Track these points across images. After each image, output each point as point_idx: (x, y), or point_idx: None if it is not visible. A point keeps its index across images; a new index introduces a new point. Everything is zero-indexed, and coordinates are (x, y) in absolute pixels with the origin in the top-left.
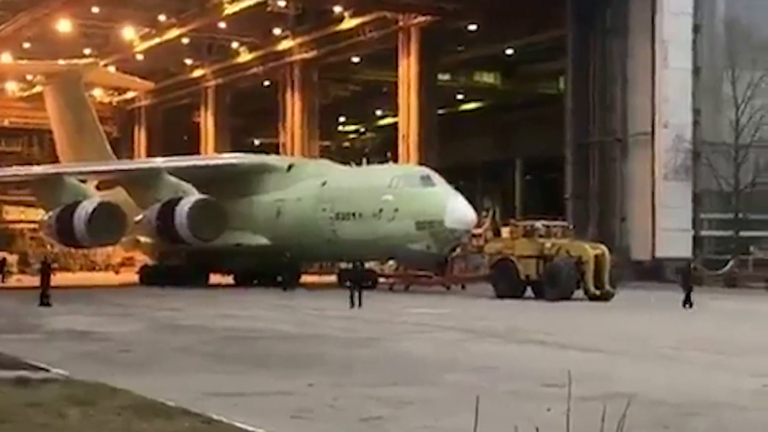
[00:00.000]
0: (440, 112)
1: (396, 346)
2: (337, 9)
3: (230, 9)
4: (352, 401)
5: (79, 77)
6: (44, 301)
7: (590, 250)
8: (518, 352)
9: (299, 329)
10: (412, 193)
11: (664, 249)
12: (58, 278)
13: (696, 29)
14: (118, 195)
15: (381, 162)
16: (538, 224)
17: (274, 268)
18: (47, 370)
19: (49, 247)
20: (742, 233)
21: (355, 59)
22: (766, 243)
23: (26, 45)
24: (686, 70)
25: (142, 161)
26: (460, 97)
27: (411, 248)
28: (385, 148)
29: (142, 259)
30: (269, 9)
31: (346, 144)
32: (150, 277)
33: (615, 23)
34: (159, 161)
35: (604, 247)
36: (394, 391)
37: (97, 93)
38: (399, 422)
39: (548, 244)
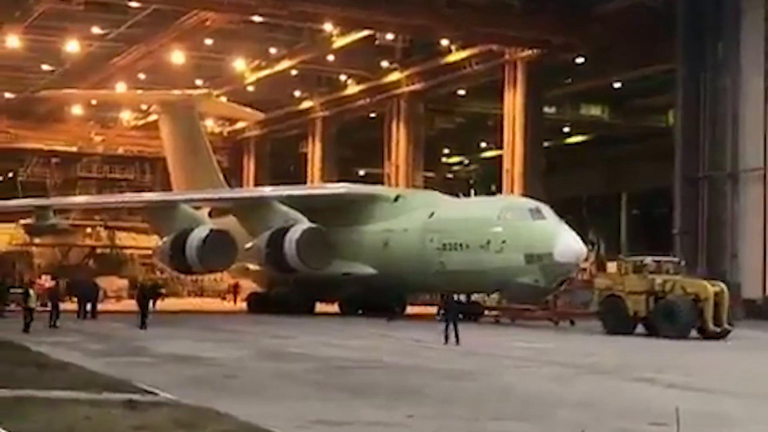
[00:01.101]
0: (546, 144)
1: (498, 381)
2: (444, 42)
3: (339, 42)
4: None
5: (192, 106)
6: (143, 324)
7: (709, 287)
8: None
9: (401, 359)
10: (521, 225)
11: None
12: (166, 303)
13: None
14: (230, 222)
15: (486, 194)
16: (648, 260)
17: (380, 297)
18: (155, 394)
19: (158, 273)
20: None
21: (461, 92)
22: None
23: (141, 76)
24: None
25: (253, 190)
26: (566, 130)
27: (519, 281)
28: (489, 180)
29: (248, 286)
30: (377, 42)
31: (450, 175)
32: (258, 305)
33: (726, 57)
34: (269, 190)
35: (722, 285)
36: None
37: (209, 123)
38: None
39: (659, 280)
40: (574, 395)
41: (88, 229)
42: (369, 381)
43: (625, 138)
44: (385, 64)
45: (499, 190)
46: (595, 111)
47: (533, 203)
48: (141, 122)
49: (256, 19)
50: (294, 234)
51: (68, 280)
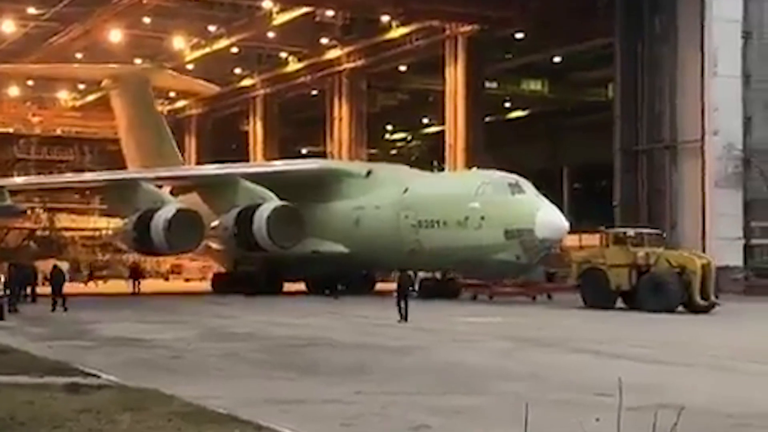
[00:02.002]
0: (487, 119)
1: (445, 356)
2: (385, 18)
3: (279, 19)
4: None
5: (146, 80)
6: (55, 307)
7: (697, 260)
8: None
9: (349, 337)
10: (500, 200)
11: (715, 257)
12: (115, 286)
13: (746, 36)
14: (192, 201)
15: (429, 170)
16: (631, 232)
17: (348, 276)
18: (98, 377)
19: (99, 254)
20: None
21: (403, 68)
22: None
23: (78, 55)
24: (736, 78)
25: (219, 167)
26: (507, 104)
27: (498, 258)
28: (432, 156)
29: (190, 266)
30: (317, 19)
31: (393, 152)
32: (222, 285)
33: (663, 31)
34: (235, 167)
35: (709, 257)
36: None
37: None
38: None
39: (641, 253)
40: (522, 368)
41: (27, 211)
42: (316, 359)
43: (566, 112)
44: (325, 41)
45: (441, 167)
46: (536, 86)
47: (512, 177)
48: (79, 103)
49: None
50: (263, 212)
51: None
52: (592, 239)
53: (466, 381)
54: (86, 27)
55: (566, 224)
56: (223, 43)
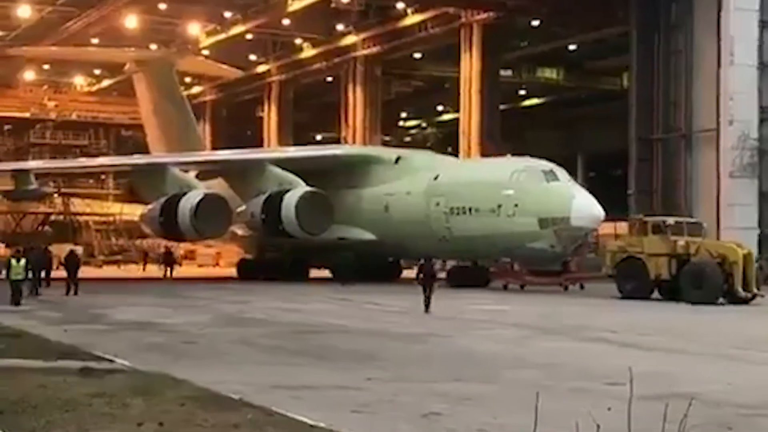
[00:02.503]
0: (502, 107)
1: (458, 343)
2: (400, 5)
3: (294, 5)
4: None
5: (171, 64)
6: (68, 291)
7: (738, 249)
8: None
9: (361, 324)
10: (535, 187)
11: None
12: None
13: (762, 25)
14: (217, 186)
15: None
16: (671, 220)
17: (374, 263)
18: (112, 361)
19: (113, 239)
20: None
21: (418, 55)
22: None
23: (94, 41)
24: (752, 67)
25: (246, 152)
26: (522, 92)
27: (532, 247)
28: (446, 143)
29: (204, 252)
30: (333, 5)
31: (408, 139)
32: (249, 272)
33: (680, 19)
34: (264, 152)
35: (749, 247)
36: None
37: None
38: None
39: (681, 242)
40: (535, 356)
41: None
42: (329, 345)
43: (581, 100)
44: (340, 27)
45: (456, 153)
46: (551, 74)
47: (547, 164)
48: (95, 88)
49: None
50: (292, 198)
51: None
52: (607, 227)
53: (478, 369)
54: (102, 12)
55: (602, 212)
56: (238, 29)
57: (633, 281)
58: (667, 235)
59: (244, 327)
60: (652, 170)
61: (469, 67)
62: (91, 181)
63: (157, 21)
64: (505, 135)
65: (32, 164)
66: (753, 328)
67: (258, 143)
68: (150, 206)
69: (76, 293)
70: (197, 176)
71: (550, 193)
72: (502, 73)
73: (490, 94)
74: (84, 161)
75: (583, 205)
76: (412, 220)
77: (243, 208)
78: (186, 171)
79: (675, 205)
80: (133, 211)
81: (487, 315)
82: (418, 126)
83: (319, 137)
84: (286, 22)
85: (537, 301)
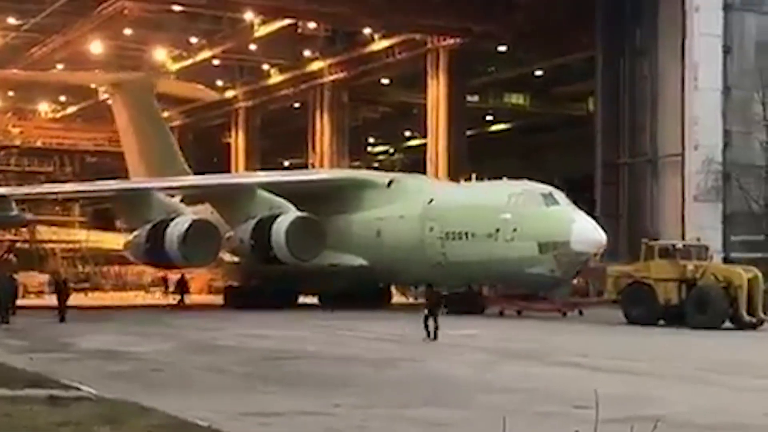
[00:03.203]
0: (469, 133)
1: (427, 368)
2: (367, 31)
3: (261, 31)
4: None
5: (150, 86)
6: (62, 318)
7: (743, 273)
8: None
9: (331, 349)
10: (534, 211)
11: None
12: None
13: (726, 50)
14: (203, 212)
15: None
16: (679, 244)
17: (363, 289)
18: (78, 389)
19: (80, 266)
20: None
21: (385, 81)
22: None
23: (59, 66)
24: (716, 91)
25: (233, 176)
26: (489, 118)
27: (531, 272)
28: (413, 169)
29: (173, 278)
30: (299, 31)
31: (375, 165)
32: (236, 299)
33: (644, 44)
34: (253, 176)
35: (756, 270)
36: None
37: None
38: None
39: (690, 266)
40: (505, 381)
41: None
42: (297, 372)
43: (548, 126)
44: (307, 53)
45: None
46: (518, 99)
47: (545, 188)
48: (59, 114)
49: (176, 8)
50: (282, 223)
51: None
52: None
53: (447, 394)
54: (67, 38)
55: (603, 237)
56: (204, 54)
57: (640, 307)
58: (676, 259)
59: (214, 354)
60: (618, 194)
61: (436, 92)
62: (57, 208)
63: (122, 47)
64: (472, 160)
65: (9, 190)
66: (732, 352)
67: (225, 169)
68: (135, 233)
69: (63, 320)
70: (182, 201)
71: (550, 217)
72: (469, 98)
73: (457, 119)
74: (63, 187)
75: (583, 230)
76: (406, 245)
77: (231, 233)
78: (172, 196)
79: (641, 229)
80: (99, 239)
81: (466, 340)
82: (385, 152)
83: (286, 163)
84: (252, 47)
85: (523, 327)
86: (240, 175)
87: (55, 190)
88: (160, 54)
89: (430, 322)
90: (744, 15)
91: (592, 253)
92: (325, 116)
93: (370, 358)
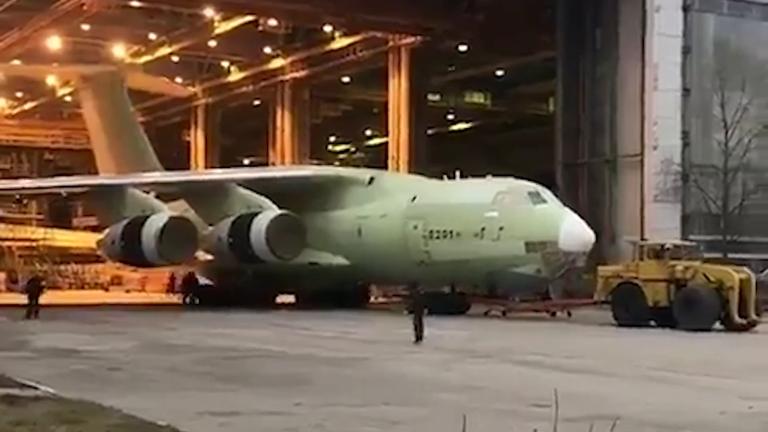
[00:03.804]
0: (430, 132)
1: (387, 367)
2: (328, 29)
3: (221, 28)
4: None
5: (121, 80)
6: (31, 316)
7: (735, 274)
8: None
9: (291, 349)
10: (521, 210)
11: None
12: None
13: (686, 51)
14: (177, 208)
15: None
16: (669, 244)
17: (345, 289)
18: (35, 388)
19: (37, 264)
20: (731, 255)
21: (346, 79)
22: (755, 265)
23: (15, 62)
24: (676, 92)
25: (209, 172)
26: (450, 117)
27: (517, 272)
28: (375, 168)
29: (131, 277)
30: (260, 28)
31: (337, 163)
32: (209, 298)
33: (605, 45)
34: (227, 172)
35: (748, 270)
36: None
37: None
38: None
39: (680, 267)
40: (463, 379)
41: None
42: (258, 371)
43: (508, 125)
44: (268, 50)
45: None
46: (479, 98)
47: (532, 186)
48: (16, 110)
49: (135, 3)
50: (262, 221)
51: None
52: None
53: (407, 393)
54: (24, 33)
55: (592, 236)
56: (164, 51)
57: (630, 308)
58: (665, 259)
59: (174, 354)
60: (577, 194)
61: (398, 91)
62: (13, 205)
63: (81, 42)
64: (434, 159)
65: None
66: (709, 353)
67: (184, 167)
68: (108, 230)
69: (36, 316)
70: (156, 198)
71: (538, 216)
72: (431, 97)
73: (419, 118)
74: (39, 182)
75: (572, 229)
76: (388, 244)
77: (208, 231)
78: (147, 192)
79: (600, 230)
80: (56, 237)
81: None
82: (346, 150)
83: (246, 161)
84: (212, 44)
85: (501, 328)
86: (217, 172)
87: (30, 185)
88: (118, 50)
89: (417, 323)
90: (703, 16)
91: (581, 252)
92: (286, 114)
93: (330, 356)
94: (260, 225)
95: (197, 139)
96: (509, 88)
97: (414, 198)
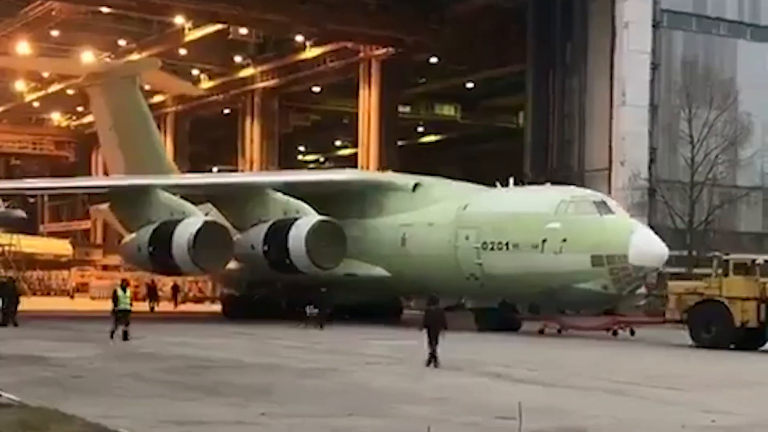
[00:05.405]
0: (400, 143)
1: (354, 378)
2: (299, 38)
3: (191, 36)
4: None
5: (135, 77)
6: (6, 323)
7: None
8: None
9: (259, 359)
10: (586, 221)
11: None
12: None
13: (654, 68)
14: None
15: None
16: (761, 259)
17: (382, 303)
18: None
19: (2, 271)
20: (696, 270)
21: (316, 89)
22: None
23: None
24: (643, 108)
25: (243, 175)
26: (420, 129)
27: (581, 288)
28: None
29: (97, 284)
30: (230, 37)
31: None
32: (237, 310)
33: (574, 59)
34: (265, 175)
35: None
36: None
37: (56, 117)
38: None
39: None
40: (430, 391)
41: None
42: (223, 380)
43: (478, 137)
44: (238, 59)
45: None
46: (449, 111)
47: (598, 195)
48: None
49: (105, 10)
50: (301, 228)
51: None
52: None
53: (373, 404)
54: None
55: (666, 250)
56: (133, 57)
57: (714, 328)
58: (756, 276)
59: (139, 362)
60: None
61: (368, 102)
62: None
63: (49, 48)
64: (403, 171)
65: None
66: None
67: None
68: (133, 235)
69: (15, 324)
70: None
71: (605, 228)
72: (401, 109)
73: (389, 129)
74: (65, 182)
75: (643, 242)
76: (435, 255)
77: (239, 237)
78: (174, 194)
79: None
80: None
81: (380, 350)
82: (316, 160)
83: (215, 169)
84: (182, 51)
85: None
86: (250, 174)
87: (48, 185)
88: (87, 56)
89: (433, 344)
90: (672, 33)
91: (654, 268)
92: (255, 123)
93: (297, 366)
94: (300, 232)
95: (166, 146)
96: (479, 101)
97: (466, 206)
